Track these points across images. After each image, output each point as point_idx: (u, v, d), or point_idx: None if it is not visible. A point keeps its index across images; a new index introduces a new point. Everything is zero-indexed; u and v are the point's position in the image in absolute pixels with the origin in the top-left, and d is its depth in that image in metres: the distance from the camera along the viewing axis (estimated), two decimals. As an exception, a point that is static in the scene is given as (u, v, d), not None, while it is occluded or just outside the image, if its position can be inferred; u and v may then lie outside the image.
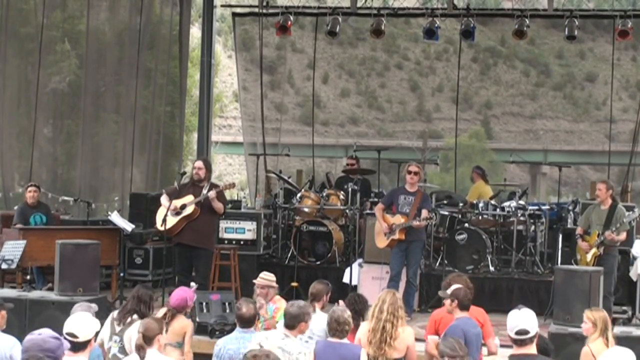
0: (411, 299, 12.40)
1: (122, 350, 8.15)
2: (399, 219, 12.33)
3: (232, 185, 12.98)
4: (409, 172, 12.50)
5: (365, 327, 7.98)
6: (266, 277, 9.48)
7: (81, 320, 6.46)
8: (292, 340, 7.42)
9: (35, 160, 16.90)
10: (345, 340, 7.63)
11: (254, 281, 9.56)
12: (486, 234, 14.37)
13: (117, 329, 8.40)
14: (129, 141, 17.67)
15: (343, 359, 7.49)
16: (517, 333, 6.54)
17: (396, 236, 12.31)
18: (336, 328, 7.54)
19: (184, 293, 8.98)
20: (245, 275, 13.01)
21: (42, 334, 5.76)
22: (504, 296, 13.72)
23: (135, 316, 8.43)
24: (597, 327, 7.94)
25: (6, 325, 7.92)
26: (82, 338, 6.33)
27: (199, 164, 12.17)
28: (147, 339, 6.86)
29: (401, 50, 50.49)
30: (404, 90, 48.80)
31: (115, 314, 8.57)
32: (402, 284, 12.35)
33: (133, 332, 7.54)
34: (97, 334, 6.70)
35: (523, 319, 6.60)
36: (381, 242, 12.61)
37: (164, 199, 11.97)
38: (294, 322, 7.55)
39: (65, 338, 6.27)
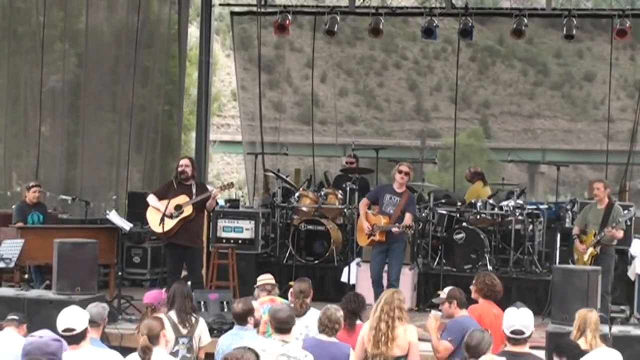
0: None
1: (191, 349, 8.47)
2: (380, 220, 12.09)
3: (231, 185, 13.00)
4: (400, 172, 12.22)
5: (366, 326, 7.97)
6: (262, 278, 9.61)
7: (72, 313, 6.55)
8: (292, 345, 7.23)
9: (33, 159, 16.91)
10: (335, 339, 7.63)
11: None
12: (484, 233, 14.37)
13: (184, 331, 8.57)
14: (126, 140, 17.66)
15: (333, 357, 7.46)
16: (513, 333, 6.53)
17: (376, 238, 12.09)
18: (327, 325, 7.53)
19: (158, 294, 9.28)
20: (243, 274, 13.04)
21: (44, 337, 5.75)
22: (502, 295, 13.69)
23: (195, 315, 8.77)
24: (576, 326, 7.95)
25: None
26: (79, 329, 6.42)
27: (186, 161, 12.08)
28: (153, 338, 6.87)
29: (399, 50, 50.37)
30: (402, 90, 48.67)
31: (174, 317, 8.59)
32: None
33: (201, 330, 8.62)
34: (90, 322, 6.80)
35: (520, 319, 6.58)
36: (362, 239, 12.45)
37: (153, 200, 11.93)
38: (287, 327, 7.29)
39: (62, 335, 6.32)
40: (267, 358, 6.86)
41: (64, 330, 6.43)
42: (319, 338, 7.57)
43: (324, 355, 7.35)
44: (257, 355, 5.86)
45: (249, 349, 5.95)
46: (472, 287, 9.15)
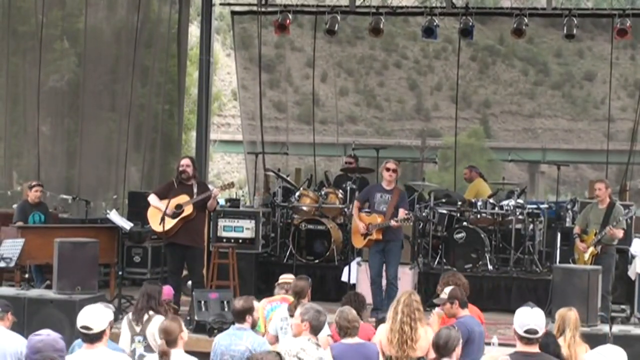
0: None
1: (148, 348, 8.28)
2: (375, 219, 12.08)
3: (232, 185, 12.99)
4: (387, 170, 12.20)
5: (384, 328, 7.97)
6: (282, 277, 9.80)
7: (94, 312, 6.46)
8: (323, 350, 7.22)
9: (33, 158, 16.91)
10: (359, 339, 7.64)
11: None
12: (484, 232, 14.37)
13: (137, 329, 8.49)
14: (125, 140, 17.66)
15: (366, 357, 7.50)
16: (527, 332, 6.49)
17: (373, 236, 12.07)
18: (347, 326, 7.54)
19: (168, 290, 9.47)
20: (244, 274, 13.04)
21: (50, 335, 5.76)
22: (503, 295, 13.74)
23: (151, 312, 8.58)
24: (556, 326, 7.93)
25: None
26: (96, 329, 6.34)
27: (187, 161, 12.07)
28: (171, 341, 6.82)
29: (400, 49, 50.34)
30: (402, 89, 48.66)
31: (130, 316, 8.62)
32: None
33: (155, 329, 7.87)
34: (110, 323, 6.72)
35: (534, 318, 6.54)
36: (358, 241, 12.44)
37: (154, 200, 11.93)
38: (321, 329, 7.36)
39: (80, 331, 6.29)
40: (305, 358, 6.96)
41: (82, 327, 6.34)
42: (346, 342, 7.54)
43: (357, 357, 7.38)
44: (281, 358, 5.88)
45: (276, 353, 5.98)
46: (438, 288, 9.16)
